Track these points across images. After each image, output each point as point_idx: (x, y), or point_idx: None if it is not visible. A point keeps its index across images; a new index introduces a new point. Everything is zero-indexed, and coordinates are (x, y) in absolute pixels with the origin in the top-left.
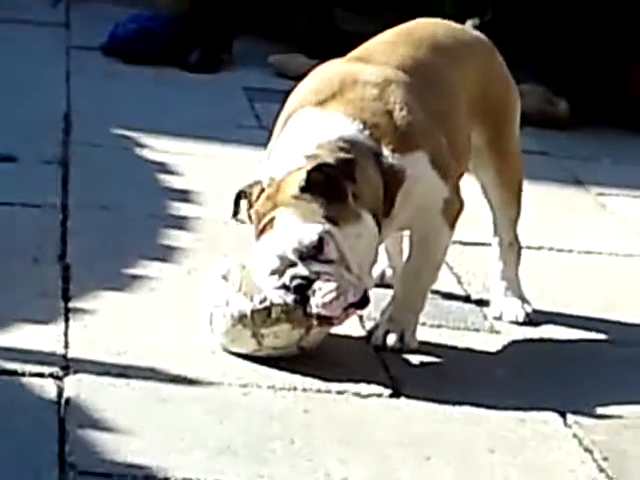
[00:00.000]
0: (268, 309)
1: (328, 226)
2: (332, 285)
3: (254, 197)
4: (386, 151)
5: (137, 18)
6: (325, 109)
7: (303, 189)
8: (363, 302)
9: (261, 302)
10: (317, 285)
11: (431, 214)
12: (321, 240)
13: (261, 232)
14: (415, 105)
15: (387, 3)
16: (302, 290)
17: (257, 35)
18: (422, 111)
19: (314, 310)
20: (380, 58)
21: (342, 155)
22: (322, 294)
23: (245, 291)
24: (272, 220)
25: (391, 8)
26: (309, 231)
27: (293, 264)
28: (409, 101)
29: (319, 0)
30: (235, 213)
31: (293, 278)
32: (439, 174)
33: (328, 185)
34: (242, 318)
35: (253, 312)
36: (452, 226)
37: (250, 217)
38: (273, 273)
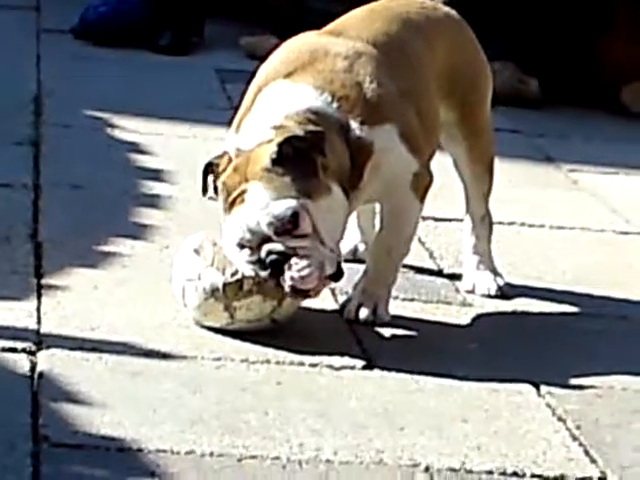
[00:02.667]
0: (240, 282)
1: (302, 200)
2: (309, 260)
3: (221, 168)
4: (354, 123)
5: (108, 0)
6: (294, 81)
7: (274, 162)
8: (338, 274)
9: (233, 275)
10: (293, 260)
11: (401, 188)
12: (296, 215)
13: (231, 205)
14: (385, 79)
15: None
16: (278, 265)
17: (228, 17)
18: (392, 85)
19: (289, 283)
20: (352, 33)
21: (312, 127)
22: (299, 268)
23: (217, 265)
24: (243, 193)
25: None
26: (284, 206)
27: (267, 238)
28: (379, 74)
29: None
30: (204, 189)
31: (269, 253)
32: (408, 147)
33: (299, 158)
34: (214, 291)
35: (225, 285)
36: (422, 200)
37: (216, 189)
38: (244, 246)
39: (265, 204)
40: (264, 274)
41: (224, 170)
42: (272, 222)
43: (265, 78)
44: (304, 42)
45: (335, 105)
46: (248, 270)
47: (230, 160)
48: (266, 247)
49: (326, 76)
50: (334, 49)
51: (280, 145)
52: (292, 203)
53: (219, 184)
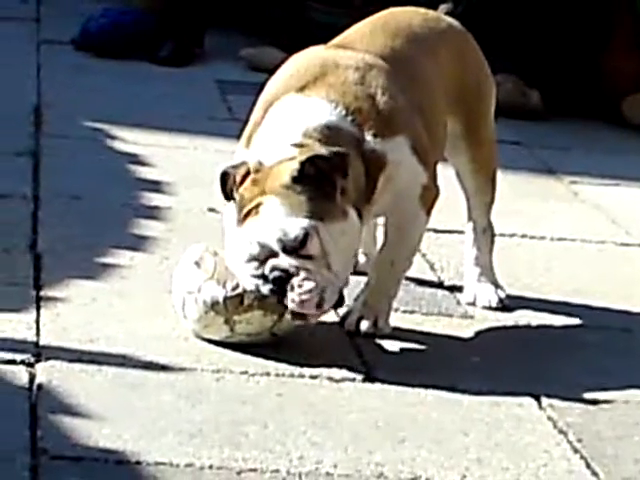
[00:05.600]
0: (241, 296)
1: (314, 222)
2: (311, 284)
3: (238, 179)
4: (368, 136)
5: (109, 12)
6: (307, 95)
7: (295, 179)
8: (339, 302)
9: (234, 289)
10: (296, 281)
11: (409, 200)
12: (306, 235)
13: (245, 217)
14: (395, 91)
15: None
16: (280, 282)
17: (229, 28)
18: (402, 97)
19: (289, 305)
20: (359, 46)
21: (336, 149)
22: (300, 292)
23: (218, 278)
24: (258, 206)
25: (365, 1)
26: (295, 224)
27: (274, 254)
28: (390, 86)
29: None
30: (226, 196)
31: (273, 269)
32: (419, 159)
33: (319, 178)
34: (214, 305)
35: (226, 299)
36: (429, 212)
37: (230, 197)
38: (251, 260)
39: (278, 219)
40: (266, 289)
41: (242, 182)
42: (281, 238)
43: (275, 92)
44: (313, 56)
45: (349, 119)
46: (250, 284)
47: (248, 171)
48: (271, 262)
49: (338, 89)
50: (344, 62)
51: (303, 163)
52: (304, 223)
53: (236, 195)
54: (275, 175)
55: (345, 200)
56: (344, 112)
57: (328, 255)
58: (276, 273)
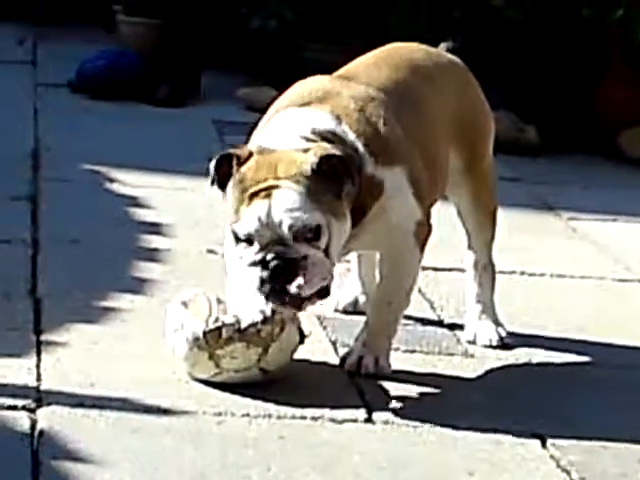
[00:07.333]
0: (219, 329)
1: (330, 217)
2: (319, 271)
3: (242, 159)
4: (370, 158)
5: (104, 54)
6: (312, 107)
7: (313, 171)
8: (326, 294)
9: (214, 322)
10: (302, 264)
11: (404, 236)
12: (319, 228)
13: (252, 196)
14: (394, 124)
15: (355, 33)
16: (278, 271)
17: (225, 69)
18: (401, 130)
19: (293, 290)
20: (363, 78)
21: (351, 152)
22: (307, 279)
23: (201, 315)
24: (271, 188)
25: (359, 38)
26: (313, 216)
27: (277, 240)
28: (389, 118)
29: (287, 32)
30: (213, 181)
31: (276, 257)
32: (414, 193)
33: (332, 177)
34: (196, 340)
35: (205, 333)
36: (422, 249)
37: (221, 183)
38: (250, 239)
39: (295, 207)
40: (263, 275)
41: (244, 162)
42: (296, 226)
43: (277, 108)
44: (317, 82)
45: (352, 136)
46: (247, 265)
47: (251, 154)
48: (276, 249)
49: (341, 111)
50: (346, 91)
51: (322, 158)
52: (321, 215)
53: (236, 174)
54: (288, 162)
55: (346, 203)
56: (347, 128)
57: (330, 250)
58: (277, 262)
